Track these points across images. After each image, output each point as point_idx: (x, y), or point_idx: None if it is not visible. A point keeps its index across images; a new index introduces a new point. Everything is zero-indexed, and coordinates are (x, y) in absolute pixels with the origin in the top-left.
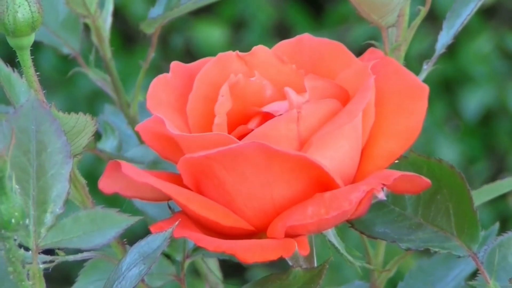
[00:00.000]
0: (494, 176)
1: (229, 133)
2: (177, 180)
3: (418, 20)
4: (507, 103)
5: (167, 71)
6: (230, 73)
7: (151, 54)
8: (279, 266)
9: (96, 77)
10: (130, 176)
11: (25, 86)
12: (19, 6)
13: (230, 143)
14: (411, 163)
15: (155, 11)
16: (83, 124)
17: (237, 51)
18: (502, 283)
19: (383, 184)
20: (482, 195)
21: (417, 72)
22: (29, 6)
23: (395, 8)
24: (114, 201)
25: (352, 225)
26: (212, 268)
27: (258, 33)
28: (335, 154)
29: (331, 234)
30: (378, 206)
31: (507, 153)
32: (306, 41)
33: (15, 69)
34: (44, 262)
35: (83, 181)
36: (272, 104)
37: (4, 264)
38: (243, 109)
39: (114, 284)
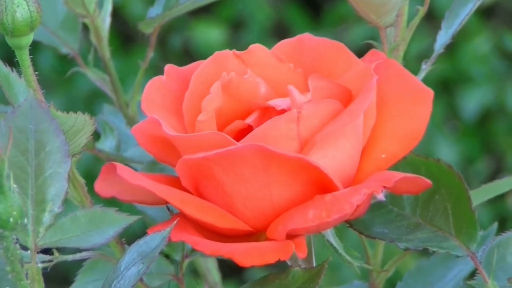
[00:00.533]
0: (493, 176)
1: (222, 129)
2: (175, 182)
3: (416, 20)
4: (505, 103)
5: None
6: (227, 71)
7: (150, 54)
8: (278, 266)
9: (95, 77)
10: (125, 179)
11: (23, 86)
12: (18, 6)
13: (226, 143)
14: (409, 163)
15: (154, 10)
16: (81, 123)
17: (234, 50)
18: (501, 283)
19: (384, 187)
20: (480, 195)
21: (415, 72)
22: (28, 6)
23: (393, 8)
24: (113, 200)
25: (350, 225)
26: (210, 268)
27: (256, 33)
28: (337, 154)
29: (329, 234)
30: (376, 206)
31: (505, 153)
32: (306, 40)
33: (13, 69)
34: (43, 262)
35: (82, 180)
36: (275, 99)
37: (2, 263)
38: (238, 106)
39: (112, 283)
